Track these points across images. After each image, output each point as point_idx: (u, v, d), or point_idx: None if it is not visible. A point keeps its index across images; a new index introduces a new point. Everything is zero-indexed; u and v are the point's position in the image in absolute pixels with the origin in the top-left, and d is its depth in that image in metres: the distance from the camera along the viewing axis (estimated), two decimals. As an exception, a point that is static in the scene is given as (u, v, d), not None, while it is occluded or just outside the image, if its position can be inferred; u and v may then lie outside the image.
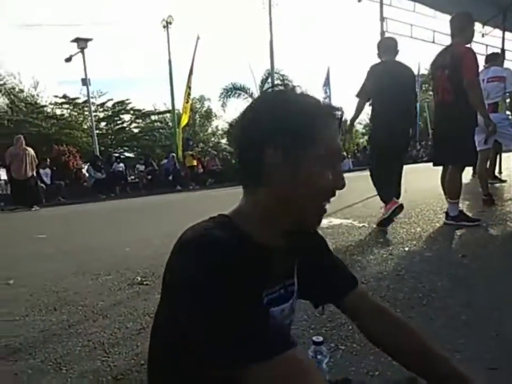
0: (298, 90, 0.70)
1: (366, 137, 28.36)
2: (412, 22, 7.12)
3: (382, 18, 6.29)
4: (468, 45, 3.49)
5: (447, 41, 3.92)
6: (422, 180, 6.83)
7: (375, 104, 3.82)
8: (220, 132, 27.00)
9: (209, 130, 27.06)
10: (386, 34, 6.28)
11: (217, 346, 0.55)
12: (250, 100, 23.07)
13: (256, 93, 23.28)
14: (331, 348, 1.65)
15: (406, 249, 2.95)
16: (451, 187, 3.54)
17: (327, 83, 18.09)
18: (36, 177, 9.87)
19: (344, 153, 20.81)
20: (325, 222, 4.13)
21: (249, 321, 0.55)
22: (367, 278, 2.37)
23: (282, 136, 0.65)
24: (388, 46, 3.89)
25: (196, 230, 0.65)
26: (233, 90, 22.48)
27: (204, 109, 26.03)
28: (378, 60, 3.89)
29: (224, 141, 25.65)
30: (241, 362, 0.54)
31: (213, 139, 26.61)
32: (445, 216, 3.67)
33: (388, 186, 3.80)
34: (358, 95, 3.88)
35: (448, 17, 8.05)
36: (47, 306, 2.25)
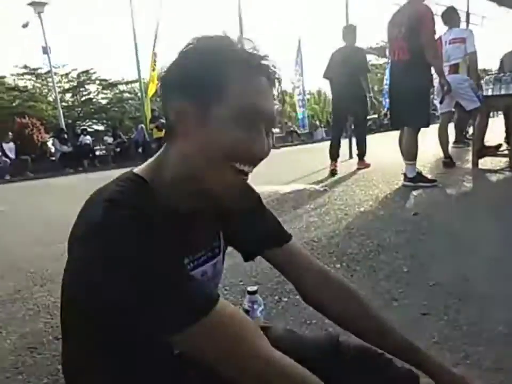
0: (228, 39, 0.61)
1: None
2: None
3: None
4: (425, 3, 3.47)
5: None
6: (384, 145, 6.93)
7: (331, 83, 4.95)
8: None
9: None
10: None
11: (142, 317, 0.53)
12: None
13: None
14: (274, 301, 1.69)
15: (362, 209, 3.01)
16: (407, 149, 3.60)
17: (298, 53, 17.83)
18: None
19: (317, 123, 20.87)
20: (287, 188, 4.16)
21: (168, 288, 0.53)
22: (319, 237, 2.42)
23: (189, 86, 0.58)
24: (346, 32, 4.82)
25: (103, 190, 0.60)
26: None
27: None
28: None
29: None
30: (168, 330, 0.53)
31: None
32: (403, 178, 3.75)
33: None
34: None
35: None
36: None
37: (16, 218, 4.16)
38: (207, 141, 0.58)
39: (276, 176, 5.25)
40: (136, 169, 0.66)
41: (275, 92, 0.63)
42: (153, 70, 10.12)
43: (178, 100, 0.59)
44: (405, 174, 3.73)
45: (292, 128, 19.07)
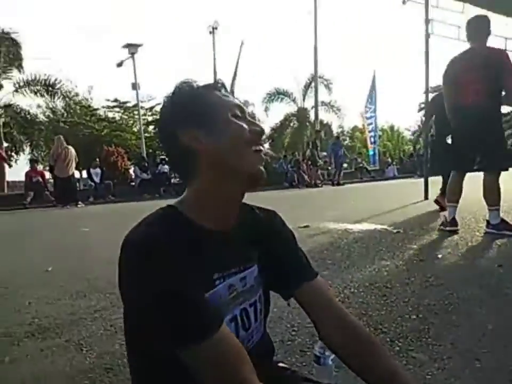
0: (190, 84, 0.78)
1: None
2: (460, 24, 6.82)
3: (427, 20, 6.07)
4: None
5: (499, 43, 3.80)
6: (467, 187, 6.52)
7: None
8: (263, 137, 27.19)
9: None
10: (432, 37, 6.06)
11: (157, 330, 0.62)
12: (293, 104, 22.87)
13: (299, 98, 23.28)
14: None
15: (440, 256, 2.83)
16: (489, 193, 3.37)
17: (373, 87, 17.70)
18: (75, 176, 10.51)
19: (389, 160, 20.28)
20: (358, 227, 4.06)
21: (182, 306, 0.61)
22: (393, 283, 2.31)
23: (187, 120, 0.73)
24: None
25: (137, 227, 0.68)
26: (277, 95, 22.61)
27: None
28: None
29: (266, 145, 25.77)
30: (178, 344, 0.60)
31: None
32: (485, 225, 3.49)
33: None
34: None
35: (502, 18, 7.67)
36: (77, 292, 2.38)
37: (97, 238, 4.48)
38: (227, 142, 0.72)
39: (345, 214, 5.16)
40: (170, 203, 0.77)
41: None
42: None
43: (183, 133, 0.73)
44: (487, 221, 3.47)
45: (361, 165, 18.72)
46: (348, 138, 28.94)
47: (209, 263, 0.70)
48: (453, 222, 3.60)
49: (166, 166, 14.04)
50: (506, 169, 3.30)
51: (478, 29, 3.46)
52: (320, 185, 13.31)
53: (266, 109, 23.14)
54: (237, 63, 11.52)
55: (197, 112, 0.74)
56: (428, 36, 6.06)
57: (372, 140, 18.36)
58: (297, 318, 1.87)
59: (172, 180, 14.18)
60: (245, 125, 0.75)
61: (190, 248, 0.67)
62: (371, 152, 18.76)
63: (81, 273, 2.84)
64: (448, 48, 3.91)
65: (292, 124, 24.26)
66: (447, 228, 3.58)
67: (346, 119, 24.51)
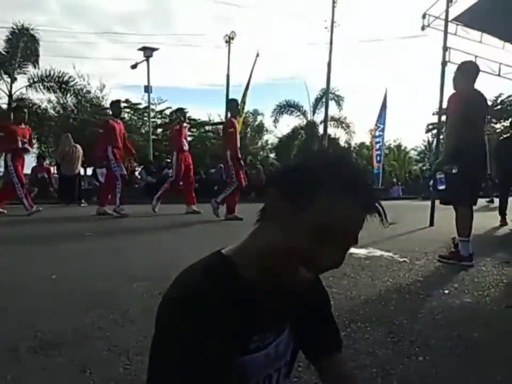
0: (342, 156, 0.69)
1: (420, 164, 27.40)
2: (477, 53, 6.84)
3: (445, 48, 6.10)
4: None
5: None
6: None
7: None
8: (269, 147, 27.21)
9: (259, 144, 27.34)
10: (449, 65, 6.08)
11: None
12: (302, 117, 22.96)
13: (309, 111, 23.36)
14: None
15: (446, 291, 2.80)
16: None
17: (384, 106, 17.73)
18: (80, 175, 10.58)
19: (394, 180, 20.26)
20: (363, 252, 4.03)
21: (210, 376, 0.58)
22: (399, 318, 2.28)
23: (286, 183, 0.66)
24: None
25: (184, 281, 0.66)
26: (287, 107, 22.72)
27: (256, 123, 26.39)
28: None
29: (272, 155, 25.80)
30: None
31: (262, 153, 26.83)
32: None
33: None
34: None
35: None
36: (81, 305, 2.36)
37: (101, 246, 4.47)
38: (288, 238, 0.63)
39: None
40: (226, 250, 0.73)
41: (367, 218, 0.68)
42: (240, 116, 10.66)
43: (276, 190, 0.66)
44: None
45: (366, 183, 18.60)
46: (353, 155, 28.94)
47: (250, 327, 0.67)
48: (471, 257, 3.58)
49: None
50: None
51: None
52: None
53: (275, 120, 23.22)
54: (251, 72, 11.58)
55: (299, 190, 0.65)
56: (444, 63, 6.08)
57: (378, 158, 18.34)
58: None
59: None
60: (322, 250, 0.63)
61: (236, 310, 0.63)
62: (376, 171, 18.73)
63: (84, 284, 2.82)
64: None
65: (299, 137, 24.34)
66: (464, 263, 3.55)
67: (353, 135, 24.49)
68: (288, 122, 30.94)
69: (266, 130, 26.41)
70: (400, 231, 4.90)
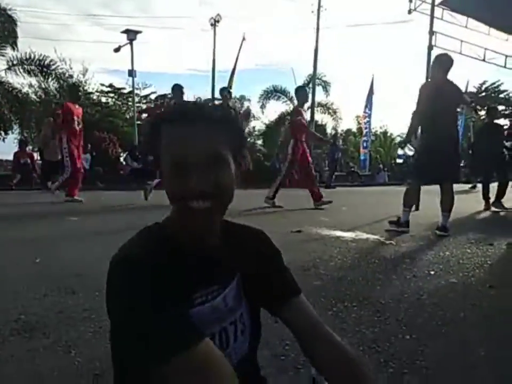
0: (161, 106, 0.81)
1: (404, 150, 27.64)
2: (463, 37, 6.87)
3: (432, 32, 6.09)
4: None
5: (499, 59, 3.86)
6: (459, 202, 6.60)
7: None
8: (256, 133, 27.07)
9: (246, 130, 27.20)
10: (435, 49, 6.08)
11: (132, 348, 0.61)
12: (289, 103, 22.90)
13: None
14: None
15: (432, 272, 2.84)
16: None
17: (371, 92, 17.75)
18: None
19: (381, 166, 20.42)
20: (350, 235, 4.05)
21: (152, 324, 0.60)
22: (386, 298, 2.30)
23: (147, 140, 0.77)
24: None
25: (123, 246, 0.73)
26: (274, 92, 22.54)
27: (243, 109, 26.19)
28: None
29: (260, 142, 25.70)
30: (153, 362, 0.58)
31: (249, 139, 26.71)
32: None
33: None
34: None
35: (503, 35, 7.73)
36: (66, 288, 2.31)
37: (85, 229, 4.41)
38: (165, 186, 0.72)
39: (337, 220, 5.16)
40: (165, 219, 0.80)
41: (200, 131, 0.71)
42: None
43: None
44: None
45: (352, 169, 18.79)
46: (340, 141, 29.05)
47: (190, 282, 0.71)
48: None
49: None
50: None
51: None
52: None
53: (262, 106, 23.06)
54: (237, 57, 11.43)
55: (151, 146, 0.75)
56: (430, 47, 6.08)
57: (365, 144, 18.44)
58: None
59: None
60: (175, 179, 0.70)
61: (170, 268, 0.68)
62: (362, 157, 18.85)
63: (69, 267, 2.77)
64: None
65: (286, 123, 24.25)
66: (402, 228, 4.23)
67: (340, 121, 24.50)
68: (275, 109, 30.76)
69: (253, 116, 26.23)
70: (386, 216, 4.93)
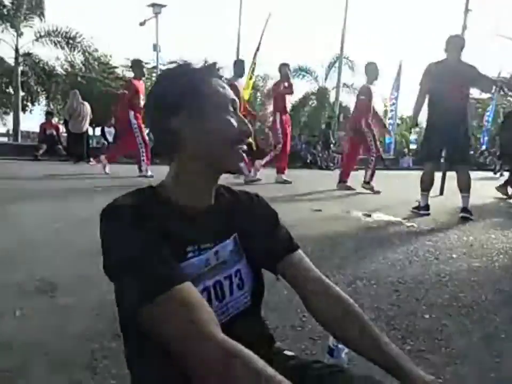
0: (189, 65, 0.81)
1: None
2: (499, 18, 6.52)
3: (467, 11, 5.81)
4: None
5: None
6: (485, 189, 6.42)
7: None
8: (279, 112, 26.80)
9: (269, 109, 26.92)
10: (468, 30, 5.81)
11: (124, 290, 0.66)
12: (314, 83, 22.34)
13: (322, 76, 22.79)
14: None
15: (454, 256, 2.78)
16: None
17: (398, 75, 17.22)
18: (88, 133, 10.50)
19: (405, 150, 19.99)
20: (371, 217, 4.00)
21: (133, 269, 0.64)
22: (405, 279, 2.27)
23: (179, 103, 0.76)
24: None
25: (114, 199, 0.74)
26: (299, 71, 22.12)
27: (267, 87, 25.86)
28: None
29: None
30: (131, 304, 0.63)
31: (271, 118, 26.48)
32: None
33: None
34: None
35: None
36: (85, 252, 2.35)
37: (107, 199, 4.48)
38: (213, 135, 0.75)
39: (358, 201, 5.10)
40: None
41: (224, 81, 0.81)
42: (250, 78, 10.40)
43: (174, 117, 0.76)
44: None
45: (376, 152, 18.40)
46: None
47: (181, 236, 0.74)
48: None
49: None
50: None
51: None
52: (332, 168, 13.16)
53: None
54: (262, 34, 11.17)
55: (194, 98, 0.76)
56: (465, 26, 5.82)
57: (390, 128, 18.02)
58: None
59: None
60: (235, 123, 0.77)
61: (159, 220, 0.71)
62: (387, 141, 18.44)
63: (88, 233, 2.82)
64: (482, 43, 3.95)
65: (310, 103, 23.85)
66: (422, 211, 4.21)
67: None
68: (300, 88, 30.22)
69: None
70: (409, 199, 4.84)
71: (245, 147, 0.79)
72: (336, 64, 18.10)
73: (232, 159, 0.78)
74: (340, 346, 1.27)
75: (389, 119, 17.86)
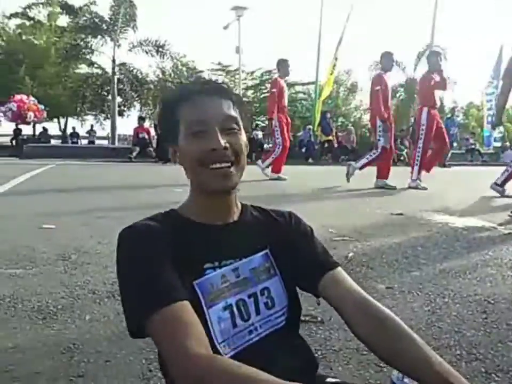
0: (171, 90, 0.82)
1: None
2: None
3: None
4: None
5: None
6: None
7: None
8: (363, 107, 25.74)
9: (353, 104, 25.99)
10: None
11: (129, 303, 0.69)
12: (402, 74, 21.12)
13: (410, 67, 21.46)
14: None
15: (560, 272, 2.38)
16: None
17: (499, 61, 15.51)
18: None
19: (507, 143, 17.96)
20: (461, 221, 3.61)
21: (145, 283, 0.67)
22: (497, 298, 1.98)
23: (163, 127, 0.86)
24: None
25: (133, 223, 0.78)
26: (385, 63, 21.07)
27: (350, 82, 25.03)
28: None
29: (367, 116, 24.47)
30: (140, 316, 0.66)
31: (355, 114, 25.54)
32: None
33: None
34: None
35: None
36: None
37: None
38: (187, 158, 0.78)
39: (448, 203, 4.65)
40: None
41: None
42: (331, 73, 10.17)
43: (170, 142, 0.82)
44: None
45: (473, 146, 16.90)
46: (461, 115, 26.19)
47: (200, 254, 0.75)
48: None
49: (260, 132, 14.14)
50: None
51: None
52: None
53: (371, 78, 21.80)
54: (344, 28, 10.84)
55: (170, 125, 0.80)
56: None
57: (489, 119, 16.32)
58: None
59: (265, 146, 14.26)
60: (196, 145, 0.76)
61: (177, 240, 0.74)
62: (486, 133, 16.76)
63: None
64: None
65: (398, 95, 22.58)
66: None
67: (460, 94, 21.97)
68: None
69: (361, 89, 24.90)
70: (510, 201, 4.30)
71: (224, 164, 0.76)
72: (426, 53, 16.86)
73: (203, 180, 0.77)
74: (406, 380, 1.13)
75: (488, 110, 16.23)
